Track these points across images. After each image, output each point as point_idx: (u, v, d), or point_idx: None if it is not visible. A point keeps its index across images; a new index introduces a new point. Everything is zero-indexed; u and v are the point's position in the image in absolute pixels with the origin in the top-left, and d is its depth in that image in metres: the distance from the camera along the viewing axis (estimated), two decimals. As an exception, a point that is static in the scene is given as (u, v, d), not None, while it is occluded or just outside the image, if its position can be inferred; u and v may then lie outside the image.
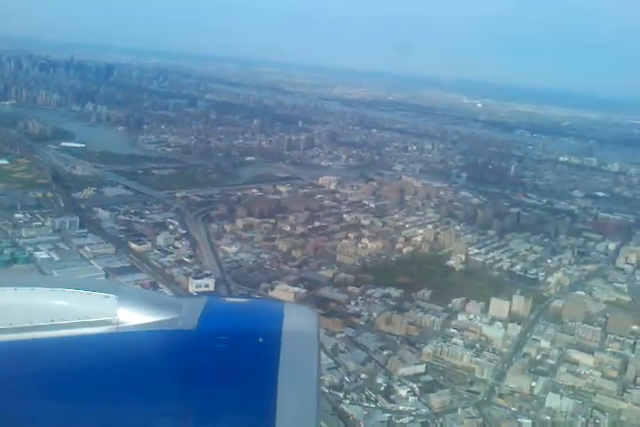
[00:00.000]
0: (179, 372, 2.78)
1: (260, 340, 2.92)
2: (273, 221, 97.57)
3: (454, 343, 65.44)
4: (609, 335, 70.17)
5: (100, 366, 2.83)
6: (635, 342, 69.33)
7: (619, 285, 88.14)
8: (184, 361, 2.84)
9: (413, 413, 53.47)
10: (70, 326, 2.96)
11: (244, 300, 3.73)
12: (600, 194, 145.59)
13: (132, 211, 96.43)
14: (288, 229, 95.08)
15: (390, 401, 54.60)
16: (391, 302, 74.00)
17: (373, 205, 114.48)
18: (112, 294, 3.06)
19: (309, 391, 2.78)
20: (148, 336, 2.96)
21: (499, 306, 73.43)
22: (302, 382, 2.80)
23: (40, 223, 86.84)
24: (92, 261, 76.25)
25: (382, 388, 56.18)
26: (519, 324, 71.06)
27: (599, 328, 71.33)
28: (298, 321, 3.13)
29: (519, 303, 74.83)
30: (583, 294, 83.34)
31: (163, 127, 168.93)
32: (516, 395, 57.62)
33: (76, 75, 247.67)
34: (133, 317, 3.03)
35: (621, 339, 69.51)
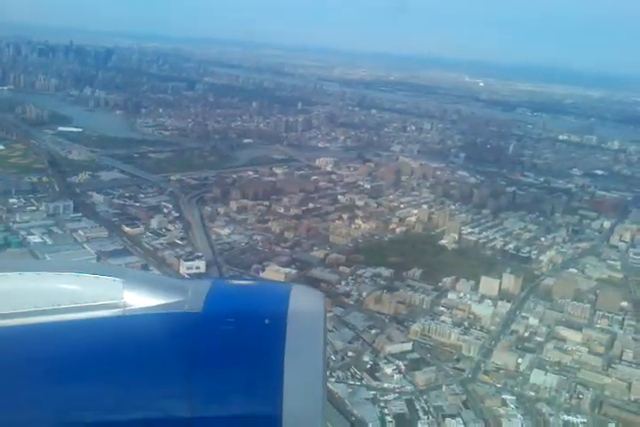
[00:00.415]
0: (185, 354, 2.81)
1: (266, 321, 2.94)
2: (267, 203, 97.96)
3: (442, 321, 66.02)
4: (598, 312, 70.60)
5: (106, 350, 2.87)
6: (623, 319, 69.81)
7: (612, 262, 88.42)
8: (190, 343, 2.86)
9: (398, 390, 54.20)
10: (76, 309, 2.97)
11: (249, 282, 3.82)
12: (599, 172, 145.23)
13: (127, 194, 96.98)
14: (282, 210, 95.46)
15: (376, 379, 55.33)
16: (381, 282, 74.54)
17: (369, 186, 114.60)
18: (118, 277, 3.08)
19: (315, 373, 2.83)
20: (154, 319, 2.98)
21: (489, 284, 73.84)
22: (308, 364, 2.83)
23: (34, 208, 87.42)
24: (84, 245, 76.92)
25: (368, 366, 56.91)
26: (509, 301, 71.52)
27: (588, 305, 71.74)
28: (304, 303, 3.13)
29: (509, 281, 75.22)
30: (575, 271, 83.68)
31: (161, 111, 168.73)
32: (502, 372, 58.26)
33: (75, 59, 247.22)
34: (139, 300, 3.04)
35: (610, 315, 69.92)
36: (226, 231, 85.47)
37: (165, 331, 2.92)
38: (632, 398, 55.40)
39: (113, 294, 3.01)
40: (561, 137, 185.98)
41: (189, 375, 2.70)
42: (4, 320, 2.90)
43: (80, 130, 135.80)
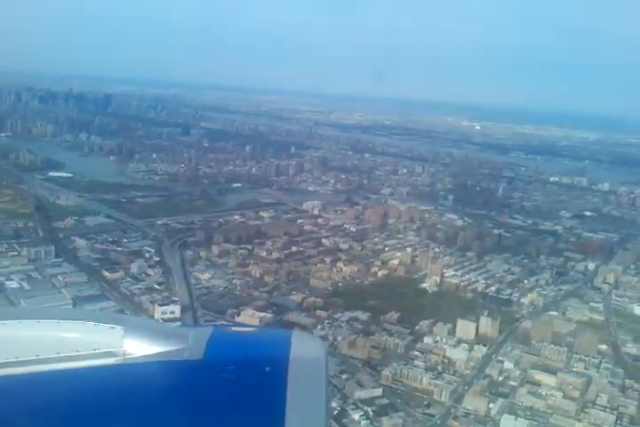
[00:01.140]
0: (186, 402, 2.78)
1: (268, 369, 2.91)
2: (250, 246, 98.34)
3: (415, 366, 65.40)
4: (575, 355, 69.93)
5: (107, 398, 2.83)
6: (600, 362, 69.07)
7: (594, 304, 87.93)
8: (191, 392, 2.83)
9: (363, 436, 53.48)
10: (76, 357, 2.96)
11: (250, 329, 3.81)
12: (587, 213, 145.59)
13: (110, 239, 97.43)
14: (264, 254, 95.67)
15: (342, 425, 54.62)
16: (358, 326, 74.16)
17: (354, 230, 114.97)
18: (118, 325, 3.07)
19: (318, 421, 2.80)
20: (154, 367, 2.95)
21: (465, 328, 73.44)
22: (310, 412, 2.79)
23: (16, 253, 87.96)
24: (62, 290, 77.05)
25: (335, 412, 56.18)
26: (485, 345, 70.98)
27: (566, 348, 71.09)
28: (305, 350, 3.10)
29: (487, 325, 74.83)
30: (556, 314, 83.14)
31: (154, 156, 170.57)
32: (471, 417, 57.49)
33: (74, 106, 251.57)
34: (140, 348, 3.03)
35: (587, 359, 69.24)
36: (206, 276, 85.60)
37: (166, 379, 2.92)
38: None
39: (113, 342, 3.03)
40: (552, 179, 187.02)
41: (190, 424, 2.70)
42: (5, 369, 2.90)
43: (70, 175, 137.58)
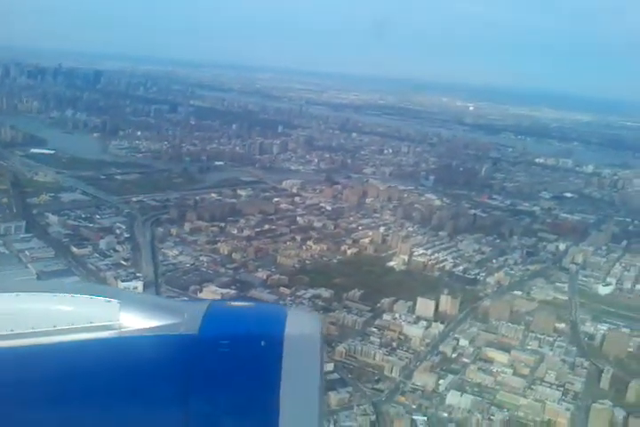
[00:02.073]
0: (181, 376, 2.81)
1: (263, 344, 2.94)
2: (222, 224, 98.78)
3: (370, 342, 66.42)
4: (531, 334, 70.96)
5: (102, 371, 2.85)
6: (554, 340, 70.12)
7: (560, 284, 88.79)
8: (186, 366, 2.85)
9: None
10: (72, 331, 2.97)
11: (246, 304, 3.73)
12: (568, 195, 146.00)
13: (83, 216, 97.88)
14: (235, 232, 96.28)
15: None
16: (320, 303, 75.00)
17: (330, 208, 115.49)
18: (114, 298, 3.09)
19: (312, 396, 2.82)
20: (150, 341, 2.98)
21: (425, 306, 74.37)
22: (305, 387, 2.82)
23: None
24: (28, 265, 77.67)
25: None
26: (442, 323, 71.94)
27: (523, 327, 72.09)
28: (301, 326, 3.13)
29: (447, 303, 75.77)
30: (520, 293, 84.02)
31: (139, 133, 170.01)
32: (419, 393, 58.54)
33: (63, 82, 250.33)
34: (136, 321, 3.04)
35: (542, 337, 70.30)
36: (174, 252, 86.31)
37: (161, 353, 2.95)
38: (544, 419, 55.57)
39: (109, 315, 3.03)
40: (537, 160, 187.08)
41: (185, 398, 2.73)
42: (0, 341, 2.92)
43: (52, 152, 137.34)
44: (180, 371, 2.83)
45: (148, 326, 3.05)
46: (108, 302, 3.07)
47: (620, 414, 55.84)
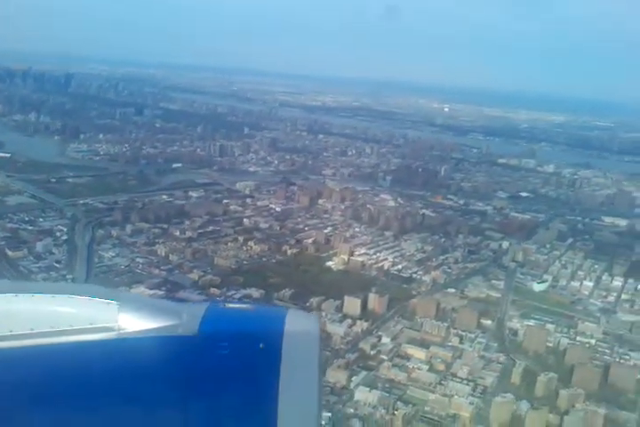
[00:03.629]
0: (179, 378, 2.82)
1: (261, 346, 2.95)
2: (166, 226, 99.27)
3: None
4: (454, 330, 71.90)
5: (101, 373, 2.87)
6: (476, 337, 71.09)
7: (496, 282, 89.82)
8: (185, 367, 2.87)
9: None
10: (71, 332, 2.98)
11: (245, 306, 3.82)
12: (524, 194, 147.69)
13: (26, 219, 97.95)
14: (177, 233, 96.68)
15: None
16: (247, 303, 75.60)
17: (279, 210, 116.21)
18: (113, 300, 3.10)
19: (310, 397, 2.84)
20: (148, 342, 2.99)
21: (353, 304, 75.13)
22: (303, 388, 2.84)
23: None
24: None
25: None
26: (367, 321, 72.72)
27: (447, 324, 73.03)
28: (299, 327, 3.15)
29: (375, 301, 76.58)
30: (453, 291, 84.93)
31: (101, 136, 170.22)
32: (327, 389, 59.07)
33: (32, 85, 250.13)
34: (134, 323, 3.06)
35: (464, 334, 71.25)
36: (110, 254, 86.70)
37: (160, 354, 2.96)
38: (449, 413, 56.49)
39: (108, 317, 3.04)
40: (500, 161, 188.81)
41: (183, 399, 2.74)
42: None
43: (8, 155, 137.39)
44: (179, 372, 2.87)
45: (146, 328, 3.07)
46: (107, 303, 3.09)
47: (523, 406, 56.81)
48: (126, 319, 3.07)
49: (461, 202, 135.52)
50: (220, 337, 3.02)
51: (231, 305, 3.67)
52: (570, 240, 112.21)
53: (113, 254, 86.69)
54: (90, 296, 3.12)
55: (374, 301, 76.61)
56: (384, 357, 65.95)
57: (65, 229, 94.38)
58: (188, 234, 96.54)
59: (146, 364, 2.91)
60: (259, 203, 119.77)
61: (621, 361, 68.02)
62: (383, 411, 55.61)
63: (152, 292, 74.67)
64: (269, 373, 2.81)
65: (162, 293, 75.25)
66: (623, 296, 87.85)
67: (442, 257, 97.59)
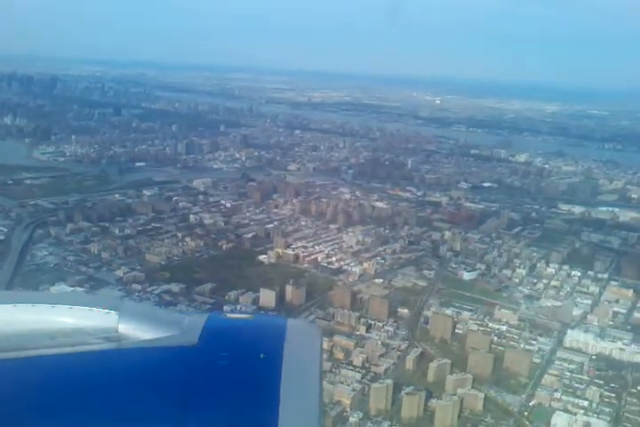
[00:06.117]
0: (179, 389, 2.81)
1: (262, 356, 2.95)
2: (107, 224, 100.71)
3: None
4: (363, 319, 72.77)
5: (101, 383, 2.86)
6: (383, 325, 71.90)
7: (427, 271, 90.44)
8: (185, 378, 2.86)
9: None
10: (72, 342, 2.98)
11: (246, 316, 3.76)
12: (486, 184, 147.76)
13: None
14: (116, 231, 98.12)
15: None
16: (167, 298, 76.86)
17: (229, 205, 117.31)
18: (113, 310, 3.11)
19: (311, 407, 2.83)
20: (148, 353, 2.98)
21: (269, 297, 76.19)
22: (304, 398, 2.83)
23: None
24: None
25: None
26: (280, 312, 73.69)
27: (358, 313, 73.91)
28: (300, 337, 3.17)
29: (292, 293, 77.57)
30: (380, 281, 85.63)
31: (73, 137, 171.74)
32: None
33: (16, 88, 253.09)
34: (135, 333, 3.05)
35: (373, 322, 72.11)
36: (43, 253, 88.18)
37: (159, 365, 2.96)
38: (333, 400, 57.40)
39: (108, 326, 3.05)
40: (472, 151, 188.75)
41: (183, 410, 2.72)
42: (0, 353, 2.90)
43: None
44: (179, 383, 2.86)
45: (147, 338, 3.08)
46: (107, 313, 3.11)
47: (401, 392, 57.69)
48: (126, 329, 3.09)
49: (419, 193, 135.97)
50: (221, 347, 3.05)
51: (232, 315, 3.72)
52: (517, 229, 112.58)
53: (46, 253, 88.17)
54: (91, 306, 3.16)
55: (291, 293, 77.58)
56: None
57: (6, 230, 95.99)
58: (127, 232, 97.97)
59: (146, 375, 2.94)
60: (210, 199, 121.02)
61: (525, 347, 68.63)
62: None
63: (71, 289, 76.25)
64: (270, 383, 2.83)
65: (82, 290, 76.67)
66: (553, 283, 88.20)
67: (380, 248, 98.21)
